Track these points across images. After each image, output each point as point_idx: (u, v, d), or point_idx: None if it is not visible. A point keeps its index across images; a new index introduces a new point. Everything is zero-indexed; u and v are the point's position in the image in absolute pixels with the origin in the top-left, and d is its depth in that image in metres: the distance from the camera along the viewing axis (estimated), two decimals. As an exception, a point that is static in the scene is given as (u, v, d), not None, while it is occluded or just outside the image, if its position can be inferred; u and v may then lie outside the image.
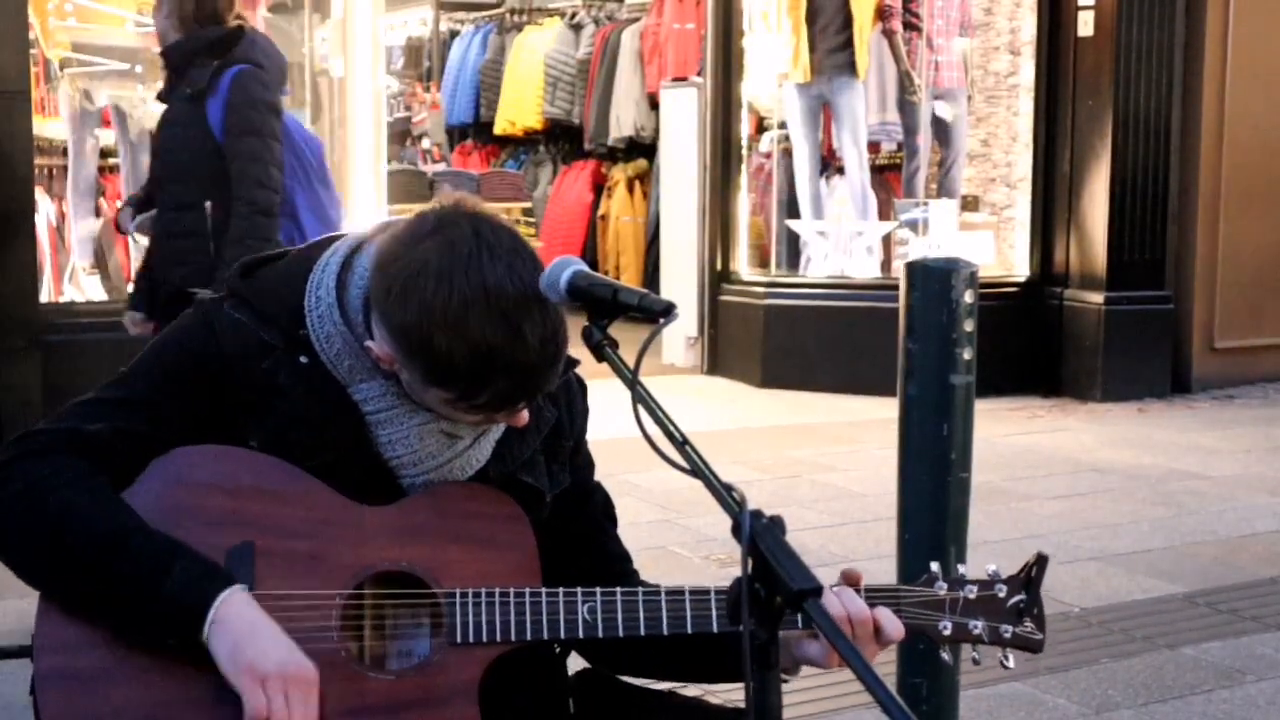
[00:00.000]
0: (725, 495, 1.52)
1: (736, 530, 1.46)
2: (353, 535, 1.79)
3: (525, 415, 1.81)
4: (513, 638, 1.79)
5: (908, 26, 8.54)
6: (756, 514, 1.47)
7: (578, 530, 2.02)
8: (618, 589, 1.82)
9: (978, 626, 1.87)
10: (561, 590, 1.81)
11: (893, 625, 1.80)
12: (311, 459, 1.80)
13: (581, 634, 1.81)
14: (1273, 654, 4.16)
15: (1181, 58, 8.26)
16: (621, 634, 1.81)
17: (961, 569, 1.91)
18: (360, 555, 1.79)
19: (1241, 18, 8.41)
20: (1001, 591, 1.88)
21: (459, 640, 1.78)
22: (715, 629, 1.80)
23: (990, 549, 5.04)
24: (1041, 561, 1.89)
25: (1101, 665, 4.03)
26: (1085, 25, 8.21)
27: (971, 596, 1.87)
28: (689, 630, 1.81)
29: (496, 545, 1.84)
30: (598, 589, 1.81)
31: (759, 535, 1.45)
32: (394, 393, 1.82)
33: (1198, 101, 8.34)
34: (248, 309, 1.85)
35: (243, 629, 1.68)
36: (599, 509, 2.07)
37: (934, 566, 1.90)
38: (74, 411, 1.83)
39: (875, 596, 1.85)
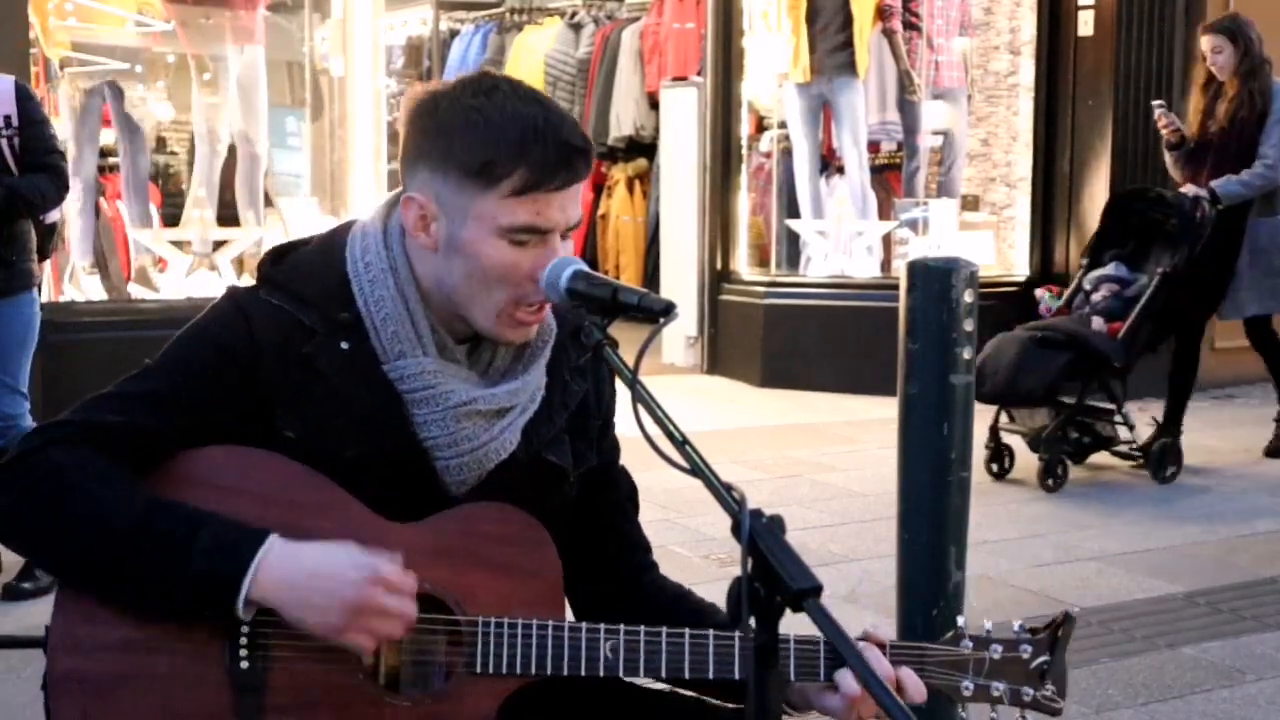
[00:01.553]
0: (725, 495, 1.52)
1: (736, 530, 1.46)
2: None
3: (564, 246, 1.80)
4: (532, 671, 1.77)
5: (908, 26, 8.55)
6: (756, 513, 1.47)
7: (602, 515, 2.01)
8: (641, 628, 1.79)
9: (999, 688, 1.85)
10: (585, 625, 1.79)
11: (915, 686, 1.79)
12: (349, 448, 1.78)
13: (602, 672, 1.78)
14: (1273, 654, 4.16)
15: (1181, 58, 8.25)
16: (642, 674, 1.79)
17: (988, 625, 1.88)
18: None
19: (1241, 18, 8.40)
20: (1026, 652, 1.86)
21: (478, 670, 1.76)
22: (737, 676, 1.78)
23: (990, 549, 5.04)
24: (1069, 622, 1.87)
25: (1101, 665, 4.03)
26: (1085, 25, 8.22)
27: (996, 657, 1.86)
28: (710, 676, 1.79)
29: (522, 572, 1.82)
30: (621, 626, 1.79)
31: (759, 535, 1.45)
32: (431, 371, 1.81)
33: (1198, 101, 8.32)
34: (284, 293, 1.83)
35: (290, 596, 1.67)
36: (624, 495, 2.06)
37: (960, 621, 1.89)
38: (97, 405, 1.79)
39: (900, 655, 1.83)
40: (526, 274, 1.77)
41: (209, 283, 7.52)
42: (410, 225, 1.82)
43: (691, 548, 5.08)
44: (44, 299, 6.81)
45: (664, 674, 1.79)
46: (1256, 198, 6.41)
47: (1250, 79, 6.39)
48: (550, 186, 1.76)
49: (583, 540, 1.92)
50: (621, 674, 1.79)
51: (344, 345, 1.81)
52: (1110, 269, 6.47)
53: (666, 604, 2.02)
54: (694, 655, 1.79)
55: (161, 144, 8.27)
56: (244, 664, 1.70)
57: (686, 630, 1.80)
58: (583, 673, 1.78)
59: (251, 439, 1.78)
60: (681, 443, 1.58)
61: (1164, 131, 6.52)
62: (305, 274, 1.85)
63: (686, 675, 1.79)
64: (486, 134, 1.75)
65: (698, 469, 1.56)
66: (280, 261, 1.89)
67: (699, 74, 9.18)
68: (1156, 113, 6.54)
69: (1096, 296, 6.40)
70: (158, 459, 1.76)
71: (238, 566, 1.67)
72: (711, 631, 1.80)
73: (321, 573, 1.68)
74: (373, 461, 1.79)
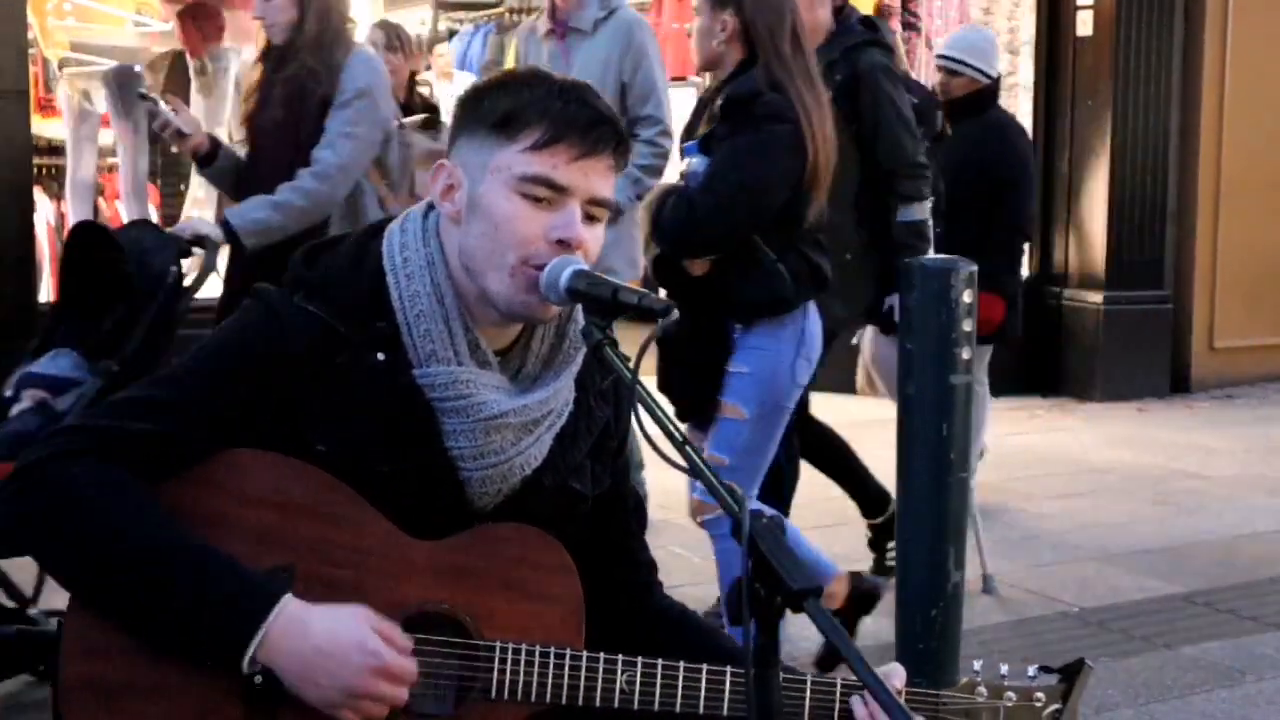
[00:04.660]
0: (725, 495, 1.52)
1: (737, 530, 1.46)
2: (398, 569, 1.74)
3: (586, 234, 1.76)
4: (547, 700, 1.76)
5: (907, 26, 8.54)
6: (756, 514, 1.47)
7: (610, 534, 2.00)
8: (659, 662, 1.78)
9: None
10: (603, 656, 1.77)
11: None
12: (381, 463, 1.76)
13: (616, 704, 1.77)
14: (1273, 654, 4.16)
15: (1180, 57, 8.25)
16: (656, 709, 1.77)
17: (1004, 669, 1.88)
18: (403, 592, 1.74)
19: (1240, 17, 8.40)
20: (1039, 701, 1.86)
21: (493, 696, 1.75)
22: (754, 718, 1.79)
23: (990, 549, 5.04)
24: (1085, 672, 1.87)
25: (1101, 665, 4.02)
26: (1085, 25, 8.21)
27: (1010, 705, 1.86)
28: (724, 713, 1.78)
29: (543, 597, 1.80)
30: (639, 659, 1.77)
31: (759, 535, 1.45)
32: (464, 380, 1.78)
33: (1197, 101, 8.33)
34: (319, 299, 1.79)
35: (292, 668, 1.65)
36: (632, 514, 2.05)
37: (977, 665, 1.89)
38: (121, 409, 1.75)
39: (915, 701, 1.83)
40: (539, 234, 1.75)
41: (208, 282, 7.51)
42: (438, 193, 1.81)
43: (691, 548, 5.07)
44: (44, 298, 6.84)
45: (678, 708, 1.78)
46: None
47: (318, 48, 4.13)
48: (571, 143, 1.74)
49: (589, 559, 1.90)
50: (635, 708, 1.77)
51: (379, 357, 1.77)
52: (46, 361, 3.52)
53: (673, 624, 2.01)
54: (710, 692, 1.78)
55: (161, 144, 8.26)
56: (257, 679, 1.67)
57: (704, 666, 1.79)
58: (598, 704, 1.77)
59: (279, 445, 1.74)
60: (681, 443, 1.58)
61: (172, 143, 4.27)
62: (340, 278, 1.81)
63: (701, 710, 1.78)
64: (514, 90, 1.78)
65: (698, 469, 1.56)
66: (313, 263, 1.84)
67: (698, 74, 9.17)
68: (159, 121, 4.07)
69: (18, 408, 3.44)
70: (181, 466, 1.72)
71: (247, 630, 1.64)
72: (729, 669, 1.79)
73: (327, 651, 1.65)
74: (403, 475, 1.77)
